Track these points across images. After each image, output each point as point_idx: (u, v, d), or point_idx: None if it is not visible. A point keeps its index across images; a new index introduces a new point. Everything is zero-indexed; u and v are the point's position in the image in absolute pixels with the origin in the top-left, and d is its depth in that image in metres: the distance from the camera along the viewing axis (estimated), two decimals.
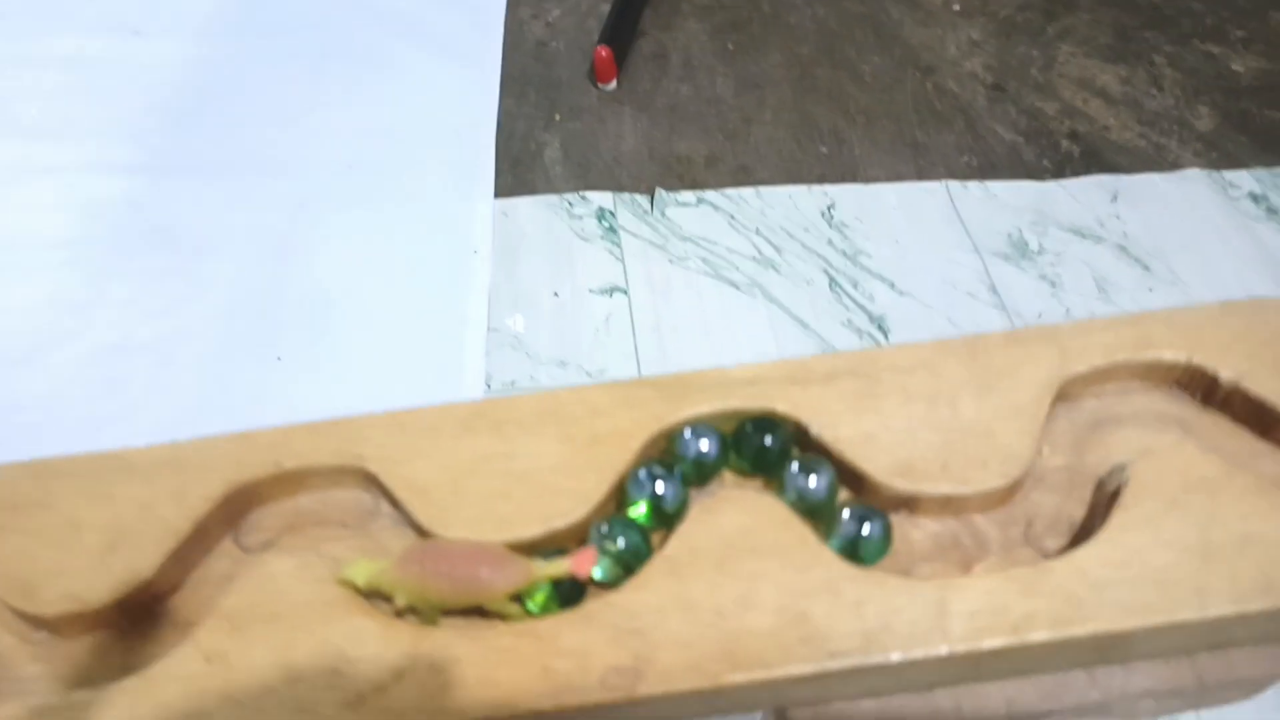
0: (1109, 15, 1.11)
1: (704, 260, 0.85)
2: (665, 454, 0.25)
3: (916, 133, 0.97)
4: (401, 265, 0.82)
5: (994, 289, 0.83)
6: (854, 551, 0.23)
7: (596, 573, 0.23)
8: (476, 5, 1.09)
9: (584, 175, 0.92)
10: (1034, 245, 0.87)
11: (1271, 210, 0.90)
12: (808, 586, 0.22)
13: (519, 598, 0.23)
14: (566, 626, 0.22)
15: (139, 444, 0.26)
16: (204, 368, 0.73)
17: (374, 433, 0.25)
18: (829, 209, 0.90)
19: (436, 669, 0.21)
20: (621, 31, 1.03)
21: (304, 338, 0.75)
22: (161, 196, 0.86)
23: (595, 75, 1.01)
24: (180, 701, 0.21)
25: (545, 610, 0.23)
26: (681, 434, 0.25)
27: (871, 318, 0.81)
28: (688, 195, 0.91)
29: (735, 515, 0.23)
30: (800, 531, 0.23)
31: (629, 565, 0.23)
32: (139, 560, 0.23)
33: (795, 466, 0.24)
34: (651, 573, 0.22)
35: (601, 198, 0.90)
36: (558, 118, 0.98)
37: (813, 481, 0.23)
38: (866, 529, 0.23)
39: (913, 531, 0.24)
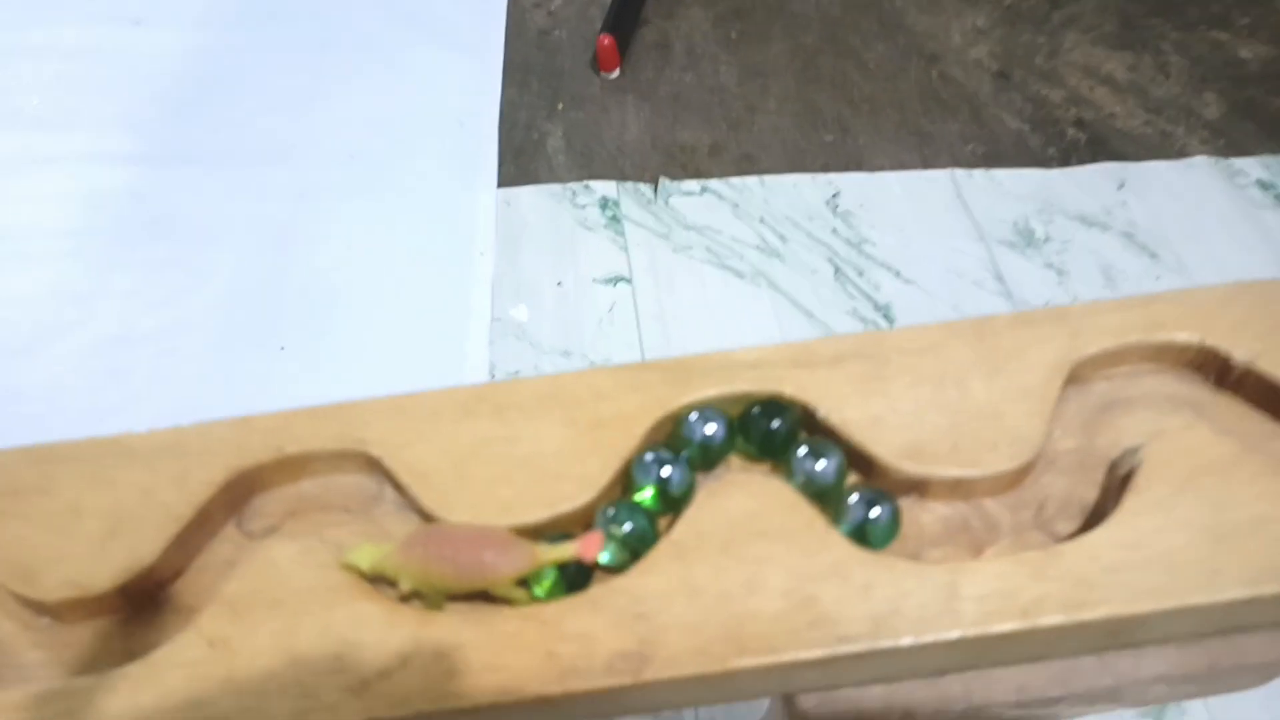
0: (1114, 2, 1.10)
1: (708, 249, 0.85)
2: (671, 438, 0.25)
3: (921, 121, 0.97)
4: (404, 255, 0.81)
5: (1000, 277, 0.83)
6: (863, 535, 0.22)
7: (603, 557, 0.23)
8: None
9: (587, 164, 0.92)
10: (1040, 233, 0.86)
11: (1279, 198, 0.90)
12: (816, 570, 0.21)
13: (524, 582, 0.22)
14: (572, 611, 0.21)
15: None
16: (206, 358, 0.73)
17: (376, 417, 0.25)
18: (833, 197, 0.89)
19: (441, 654, 0.21)
20: (624, 20, 1.03)
21: (307, 328, 0.75)
22: (163, 186, 0.86)
23: (598, 64, 1.01)
24: (183, 687, 0.21)
25: (551, 595, 0.23)
26: (687, 418, 0.25)
27: (877, 306, 0.81)
28: (691, 184, 0.90)
29: (742, 499, 0.23)
30: (808, 515, 0.22)
31: (635, 550, 0.23)
32: (141, 546, 0.23)
33: (803, 450, 0.24)
34: (658, 557, 0.22)
35: (605, 187, 0.90)
36: (560, 107, 0.98)
37: (821, 465, 0.23)
38: (875, 513, 0.23)
39: (922, 515, 0.24)
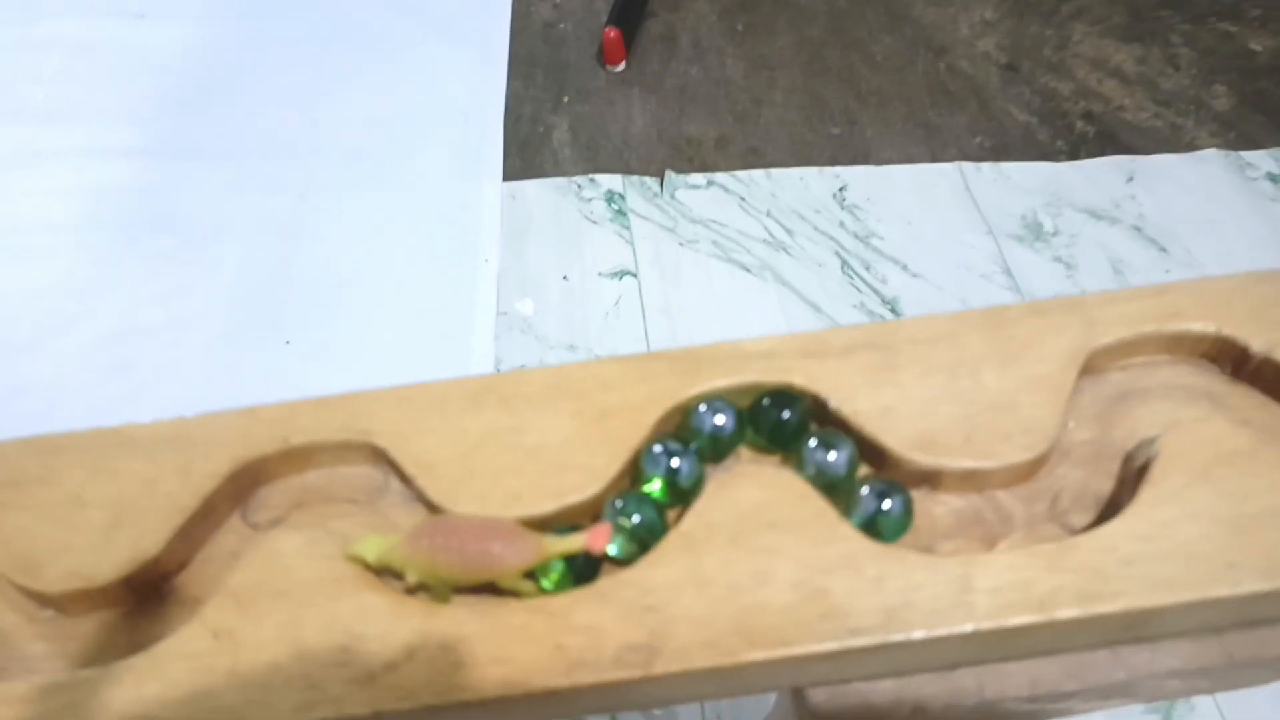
0: None
1: (714, 243, 0.85)
2: (680, 429, 0.25)
3: (929, 114, 0.96)
4: (409, 249, 0.81)
5: (1008, 271, 0.82)
6: (874, 527, 0.22)
7: (611, 549, 0.23)
8: None
9: (593, 158, 0.92)
10: (1048, 227, 0.86)
11: None
12: (827, 562, 0.21)
13: (532, 574, 0.22)
14: (580, 603, 0.21)
15: None
16: (211, 352, 0.73)
17: (382, 408, 0.25)
18: (840, 191, 0.89)
19: (447, 646, 0.21)
20: (630, 13, 1.02)
21: (312, 322, 0.75)
22: (168, 180, 0.86)
23: (604, 57, 1.00)
24: (187, 679, 0.21)
25: (559, 588, 0.22)
26: (696, 408, 0.24)
27: (884, 300, 0.81)
28: (698, 177, 0.90)
29: (752, 490, 0.22)
30: (819, 507, 0.22)
31: (644, 542, 0.22)
32: (145, 537, 0.23)
33: (814, 441, 0.23)
34: (667, 549, 0.22)
35: (610, 180, 0.90)
36: (566, 100, 0.97)
37: (832, 456, 0.23)
38: (887, 504, 0.22)
39: (934, 508, 0.23)
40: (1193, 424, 0.23)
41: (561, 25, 1.06)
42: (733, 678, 0.21)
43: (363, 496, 0.25)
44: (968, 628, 0.20)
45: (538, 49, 1.03)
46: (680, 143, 0.93)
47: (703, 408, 0.24)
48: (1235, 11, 1.07)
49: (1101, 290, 0.25)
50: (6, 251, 0.80)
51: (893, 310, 0.80)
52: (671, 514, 0.24)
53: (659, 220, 0.86)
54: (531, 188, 0.89)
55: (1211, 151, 0.93)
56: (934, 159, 0.92)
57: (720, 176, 0.90)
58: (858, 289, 0.81)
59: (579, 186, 0.89)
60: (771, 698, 0.34)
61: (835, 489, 0.23)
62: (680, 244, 0.84)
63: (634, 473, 0.24)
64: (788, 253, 0.84)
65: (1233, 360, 0.25)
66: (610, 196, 0.88)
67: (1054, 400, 0.23)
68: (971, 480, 0.23)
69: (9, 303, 0.76)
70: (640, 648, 0.20)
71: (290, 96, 0.95)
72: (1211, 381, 0.25)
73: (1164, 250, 0.84)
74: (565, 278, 0.82)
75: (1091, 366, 0.25)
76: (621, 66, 1.00)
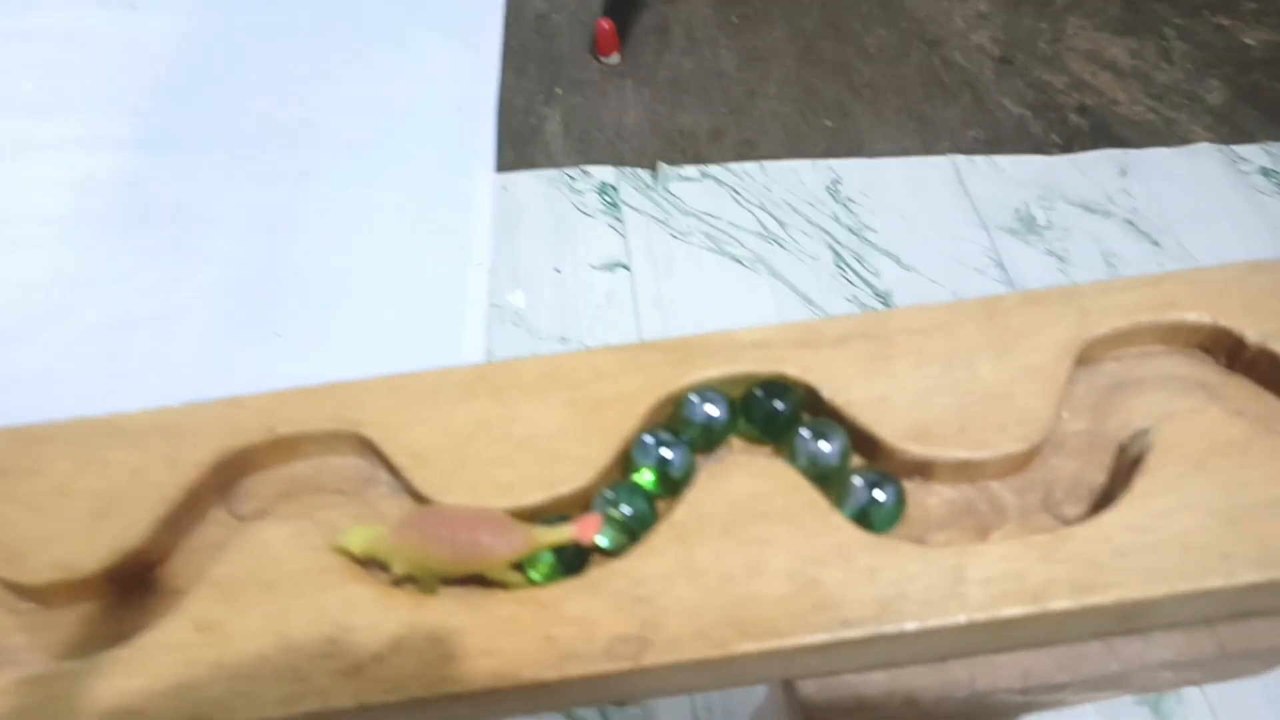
0: None
1: (707, 235, 0.84)
2: (672, 420, 0.25)
3: (923, 106, 0.96)
4: (400, 241, 0.81)
5: (1001, 264, 0.82)
6: (866, 518, 0.22)
7: (602, 541, 0.22)
8: None
9: (585, 149, 0.91)
10: (1042, 220, 0.86)
11: None
12: (819, 553, 0.21)
13: (520, 565, 0.22)
14: (570, 595, 0.21)
15: None
16: (202, 343, 0.72)
17: (371, 397, 0.24)
18: (834, 183, 0.89)
19: (435, 638, 0.21)
20: (623, 4, 1.02)
21: (302, 314, 0.75)
22: (159, 171, 0.85)
23: (597, 48, 1.00)
24: (170, 671, 0.21)
25: (548, 580, 0.22)
26: (688, 399, 0.24)
27: (877, 293, 0.81)
28: (691, 169, 0.90)
29: (744, 480, 0.22)
30: (811, 497, 0.22)
31: (635, 533, 0.22)
32: (129, 528, 0.23)
33: (806, 431, 0.23)
34: (658, 539, 0.22)
35: (603, 172, 0.89)
36: (559, 91, 0.97)
37: (825, 446, 0.23)
38: (879, 495, 0.22)
39: (928, 498, 0.23)
40: (1187, 415, 0.23)
41: (555, 17, 1.06)
42: (725, 669, 0.21)
43: (350, 487, 0.25)
44: (960, 619, 0.20)
45: (531, 40, 1.02)
46: (673, 135, 0.93)
47: (694, 398, 0.24)
48: (1229, 5, 1.07)
49: (1096, 281, 0.25)
50: None
51: (885, 303, 0.80)
52: (662, 504, 0.23)
53: (652, 212, 0.86)
54: (524, 179, 0.88)
55: (1205, 145, 0.93)
56: (927, 151, 0.91)
57: (713, 169, 0.90)
58: (850, 282, 0.81)
59: (571, 178, 0.89)
60: (761, 690, 0.34)
61: (827, 479, 0.23)
62: (673, 236, 0.84)
63: (625, 463, 0.24)
64: (781, 245, 0.84)
65: (1228, 351, 0.25)
66: (603, 188, 0.88)
67: (1048, 390, 0.23)
68: (965, 471, 0.23)
69: None
70: (631, 639, 0.20)
71: (281, 88, 0.94)
72: (1206, 372, 0.25)
73: (1156, 244, 0.84)
74: (557, 270, 0.81)
75: (1086, 357, 0.25)
76: (615, 58, 1.00)
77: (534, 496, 0.23)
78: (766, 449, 0.24)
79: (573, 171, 0.89)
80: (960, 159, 0.91)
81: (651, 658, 0.20)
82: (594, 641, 0.20)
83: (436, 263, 0.80)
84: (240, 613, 0.21)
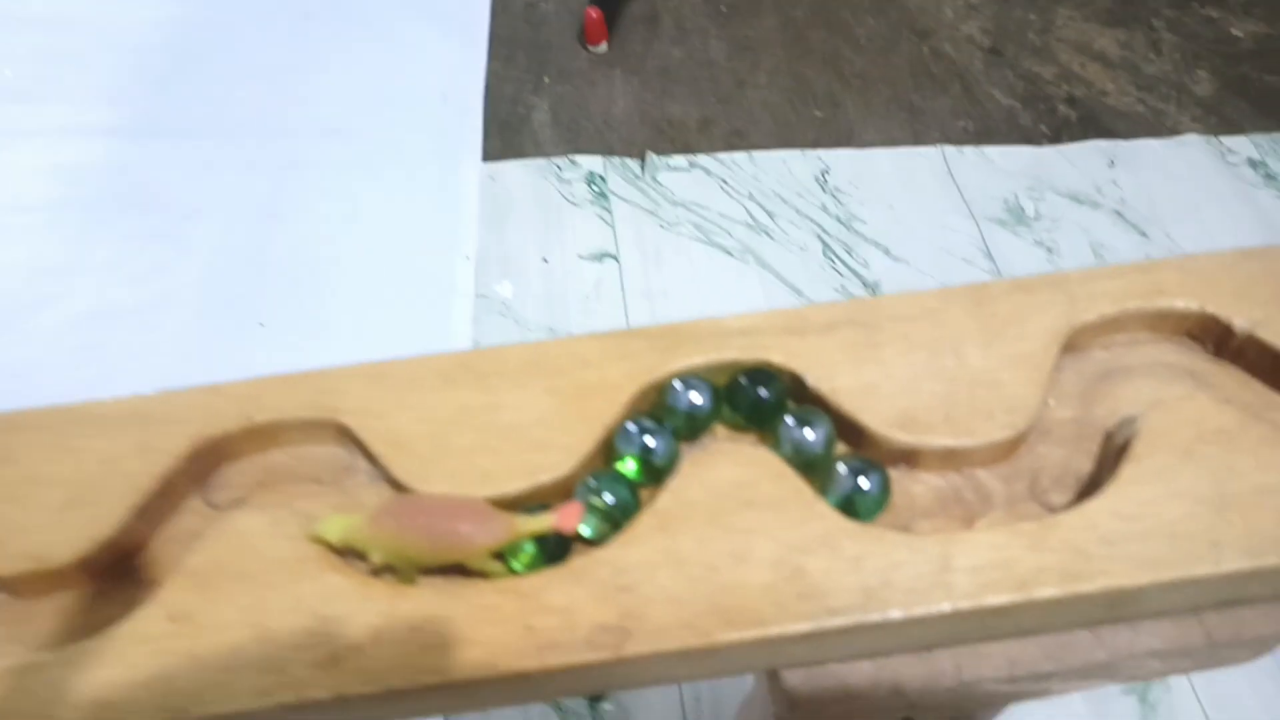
0: None
1: (696, 225, 0.84)
2: (656, 407, 0.24)
3: (912, 97, 0.96)
4: (387, 230, 0.80)
5: (989, 255, 0.82)
6: (851, 506, 0.22)
7: (584, 530, 0.22)
8: None
9: (573, 139, 0.91)
10: (1030, 211, 0.86)
11: (1270, 176, 0.89)
12: (804, 541, 0.21)
13: (501, 555, 0.22)
14: (551, 584, 0.21)
15: None
16: (185, 334, 0.72)
17: (350, 385, 0.24)
18: (823, 174, 0.89)
19: (415, 628, 0.20)
20: None
21: (287, 304, 0.74)
22: (142, 159, 0.84)
23: (585, 37, 0.99)
24: (144, 662, 0.20)
25: (531, 569, 0.22)
26: (672, 386, 0.24)
27: (865, 284, 0.80)
28: (679, 159, 0.89)
29: (728, 468, 0.22)
30: (796, 485, 0.22)
31: (617, 521, 0.22)
32: (102, 517, 0.22)
33: (791, 419, 0.23)
34: (641, 528, 0.21)
35: (591, 162, 0.89)
36: (547, 80, 0.96)
37: (809, 434, 0.22)
38: (864, 482, 0.22)
39: (913, 486, 0.23)
40: (1175, 402, 0.22)
41: (542, 5, 1.05)
42: (708, 659, 0.20)
43: (329, 476, 0.24)
44: (946, 607, 0.20)
45: (518, 29, 1.02)
46: (662, 124, 0.92)
47: (678, 385, 0.24)
48: None
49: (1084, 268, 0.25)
50: None
51: (873, 294, 0.79)
52: (646, 493, 0.23)
53: (640, 202, 0.86)
54: (511, 169, 0.88)
55: (1193, 136, 0.93)
56: (917, 142, 0.91)
57: (702, 158, 0.89)
58: (839, 272, 0.81)
59: (559, 168, 0.88)
60: (750, 681, 0.34)
61: (812, 467, 0.22)
62: (661, 226, 0.84)
63: (608, 451, 0.23)
64: (769, 236, 0.83)
65: (1215, 338, 0.24)
66: (591, 178, 0.87)
67: (1035, 378, 0.23)
68: (951, 459, 0.23)
69: None
70: (613, 629, 0.20)
71: (267, 77, 0.93)
72: (1194, 360, 0.25)
73: (1144, 235, 0.84)
74: (545, 260, 0.81)
75: (1074, 344, 0.24)
76: (603, 47, 0.99)
77: (515, 485, 0.22)
78: (751, 437, 0.24)
79: (560, 161, 0.89)
80: (949, 149, 0.91)
81: (633, 647, 0.20)
82: (575, 631, 0.20)
83: (423, 253, 0.79)
84: (215, 603, 0.21)
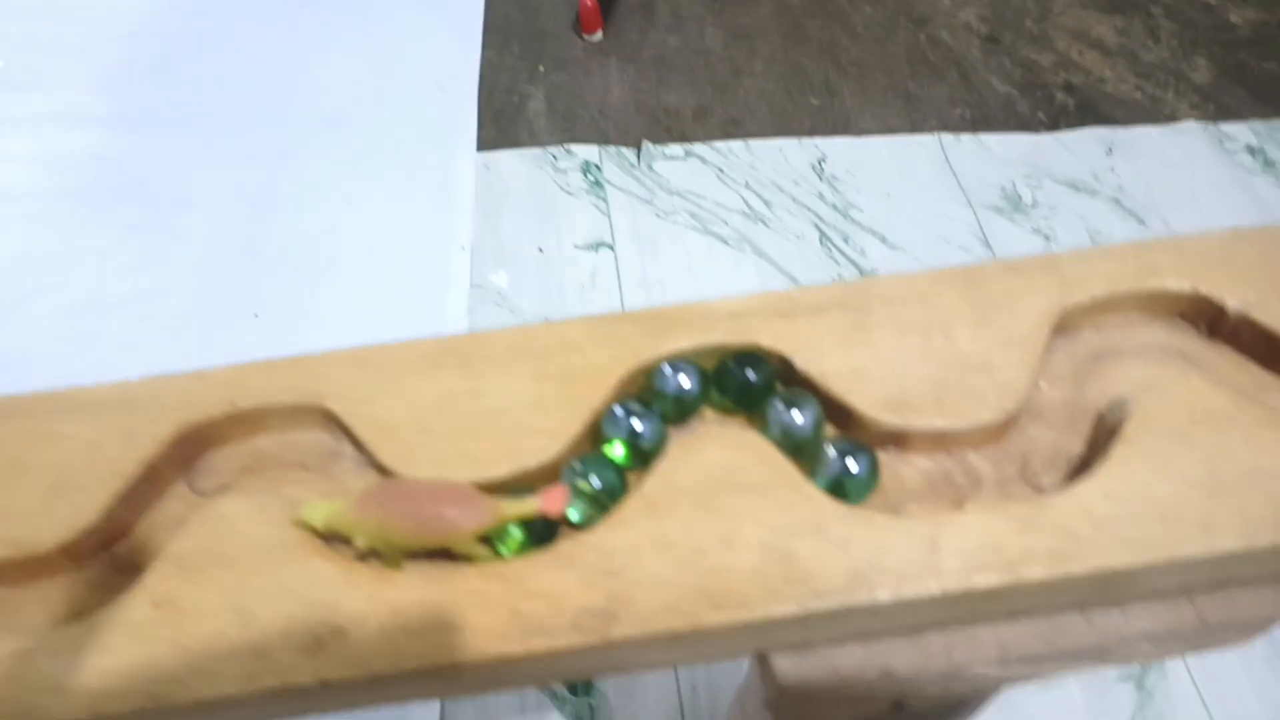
0: None
1: (692, 214, 0.84)
2: (643, 391, 0.24)
3: (909, 84, 0.95)
4: (381, 220, 0.80)
5: (987, 243, 0.82)
6: (840, 488, 0.22)
7: (572, 514, 0.22)
8: None
9: (569, 128, 0.90)
10: (1028, 199, 0.85)
11: (1268, 163, 0.89)
12: (792, 524, 0.21)
13: (488, 539, 0.21)
14: (537, 568, 0.20)
15: None
16: (179, 324, 0.71)
17: (335, 370, 0.24)
18: (820, 162, 0.88)
19: (399, 613, 0.20)
20: None
21: (281, 294, 0.74)
22: (135, 149, 0.84)
23: (580, 26, 0.99)
24: (128, 649, 0.20)
25: (518, 554, 0.22)
26: (660, 370, 0.24)
27: (862, 272, 0.80)
28: (675, 148, 0.89)
29: (717, 452, 0.22)
30: (784, 468, 0.21)
31: (604, 505, 0.22)
32: (85, 503, 0.22)
33: (779, 402, 0.23)
34: (628, 511, 0.21)
35: (587, 151, 0.88)
36: (542, 69, 0.96)
37: (797, 417, 0.22)
38: (852, 465, 0.22)
39: (903, 469, 0.23)
40: (1167, 384, 0.22)
41: None
42: (696, 642, 0.20)
43: (315, 462, 0.24)
44: (934, 589, 0.20)
45: (513, 17, 1.01)
46: (658, 113, 0.92)
47: (666, 369, 0.23)
48: None
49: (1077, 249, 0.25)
50: None
51: None
52: (633, 476, 0.23)
53: (636, 192, 0.85)
54: (506, 158, 0.87)
55: (1191, 123, 0.92)
56: (914, 130, 0.91)
57: (698, 147, 0.89)
58: (836, 261, 0.81)
59: (555, 157, 0.88)
60: (744, 670, 0.34)
61: (801, 450, 0.22)
62: (657, 216, 0.83)
63: (595, 435, 0.23)
64: (766, 225, 0.83)
65: (1208, 319, 0.24)
66: (586, 167, 0.87)
67: (1026, 359, 0.23)
68: (941, 441, 0.23)
69: None
70: (599, 612, 0.20)
71: (260, 64, 0.92)
72: (1187, 341, 0.25)
73: (1142, 222, 0.84)
74: (540, 250, 0.81)
75: (1066, 326, 0.24)
76: (599, 35, 0.99)
77: (501, 469, 0.22)
78: (740, 420, 0.24)
79: (556, 150, 0.88)
80: (946, 137, 0.90)
81: (620, 630, 0.20)
82: (561, 615, 0.20)
83: (418, 243, 0.79)
84: (200, 589, 0.21)
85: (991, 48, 0.99)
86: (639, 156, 0.88)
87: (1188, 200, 0.86)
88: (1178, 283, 0.24)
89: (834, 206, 0.84)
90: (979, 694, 0.27)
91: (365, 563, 0.21)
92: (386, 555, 0.21)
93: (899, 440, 0.23)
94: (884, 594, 0.20)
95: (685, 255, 0.81)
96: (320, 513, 0.21)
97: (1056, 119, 0.93)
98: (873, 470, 0.22)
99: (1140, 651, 0.24)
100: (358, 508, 0.21)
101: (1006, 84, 0.96)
